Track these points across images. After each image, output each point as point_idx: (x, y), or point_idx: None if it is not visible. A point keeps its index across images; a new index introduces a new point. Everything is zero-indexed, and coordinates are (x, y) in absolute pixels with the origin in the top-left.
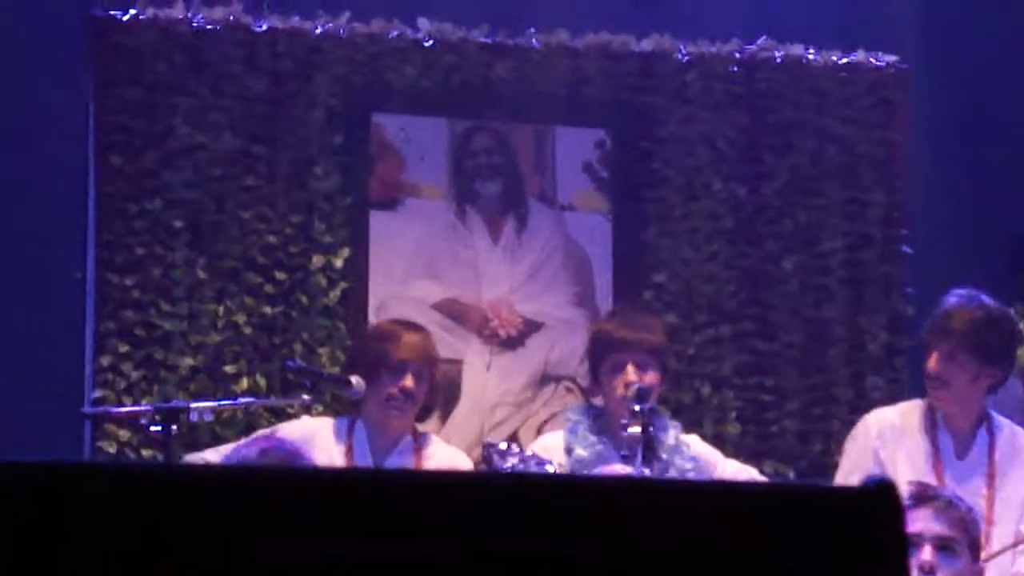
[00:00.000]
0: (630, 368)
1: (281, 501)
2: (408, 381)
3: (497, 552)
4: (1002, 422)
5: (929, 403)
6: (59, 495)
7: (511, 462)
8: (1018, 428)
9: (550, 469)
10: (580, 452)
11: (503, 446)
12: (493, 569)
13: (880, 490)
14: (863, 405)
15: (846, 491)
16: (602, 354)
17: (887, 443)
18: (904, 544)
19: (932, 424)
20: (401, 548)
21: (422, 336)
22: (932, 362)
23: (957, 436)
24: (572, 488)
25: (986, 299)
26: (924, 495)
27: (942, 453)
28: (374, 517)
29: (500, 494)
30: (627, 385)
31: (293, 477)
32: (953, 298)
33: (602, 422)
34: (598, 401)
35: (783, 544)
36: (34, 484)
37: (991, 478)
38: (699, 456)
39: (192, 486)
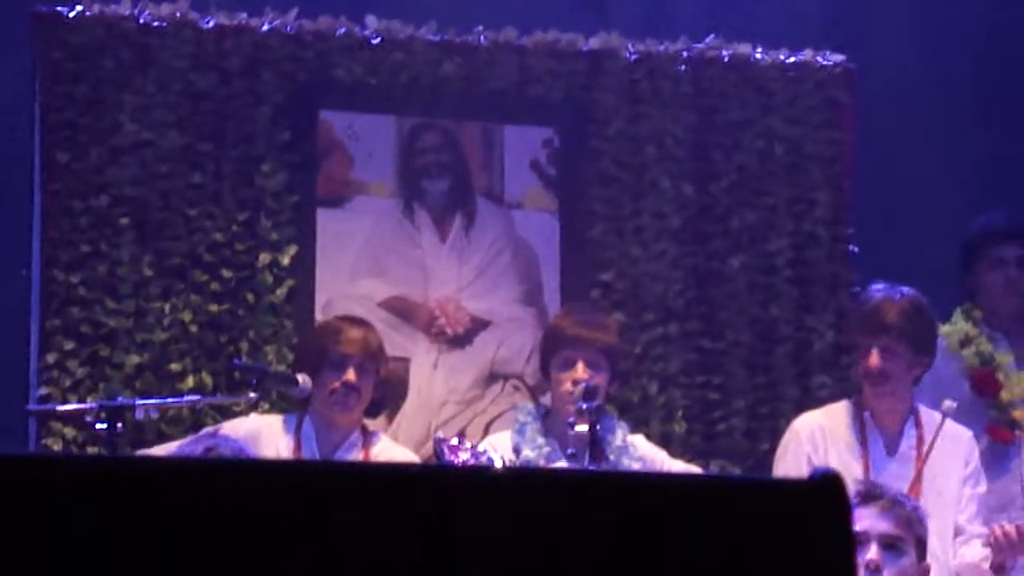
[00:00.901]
0: (580, 366)
1: (243, 493)
2: (350, 375)
3: (460, 546)
4: (930, 414)
5: (856, 402)
6: (18, 489)
7: (462, 457)
8: (949, 419)
9: (503, 457)
10: (528, 453)
11: (454, 441)
12: (450, 562)
13: (826, 482)
14: (810, 403)
15: (792, 483)
16: (554, 349)
17: (818, 446)
18: (850, 535)
19: (860, 423)
20: (358, 542)
21: (365, 331)
22: (873, 359)
23: (886, 433)
24: (520, 480)
25: (905, 289)
26: (870, 493)
27: (871, 451)
28: (328, 509)
29: (456, 486)
30: (575, 382)
31: (256, 469)
32: (877, 293)
33: (549, 422)
34: (546, 400)
35: (730, 535)
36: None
37: (919, 472)
38: (646, 456)
39: (150, 478)
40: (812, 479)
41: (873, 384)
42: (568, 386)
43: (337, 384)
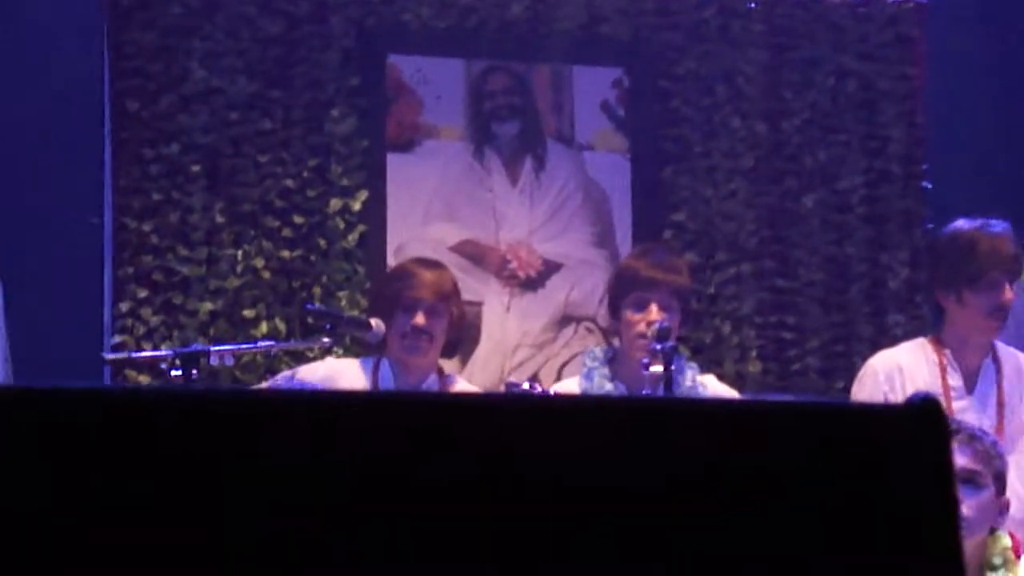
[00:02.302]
0: (653, 307)
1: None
2: (419, 319)
3: (539, 477)
4: (1007, 350)
5: (935, 340)
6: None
7: None
8: (1021, 354)
9: None
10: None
11: (525, 385)
12: (533, 492)
13: (925, 408)
14: (884, 342)
15: (891, 409)
16: (626, 291)
17: (895, 385)
18: (950, 462)
19: (940, 361)
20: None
21: (437, 273)
22: (1008, 293)
23: (965, 371)
24: (606, 409)
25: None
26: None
27: (952, 390)
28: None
29: (543, 416)
30: (649, 324)
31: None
32: (997, 227)
33: (616, 366)
34: (616, 343)
35: (824, 463)
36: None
37: (1000, 408)
38: (716, 396)
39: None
40: (910, 404)
41: (1000, 319)
42: (642, 327)
43: (408, 328)
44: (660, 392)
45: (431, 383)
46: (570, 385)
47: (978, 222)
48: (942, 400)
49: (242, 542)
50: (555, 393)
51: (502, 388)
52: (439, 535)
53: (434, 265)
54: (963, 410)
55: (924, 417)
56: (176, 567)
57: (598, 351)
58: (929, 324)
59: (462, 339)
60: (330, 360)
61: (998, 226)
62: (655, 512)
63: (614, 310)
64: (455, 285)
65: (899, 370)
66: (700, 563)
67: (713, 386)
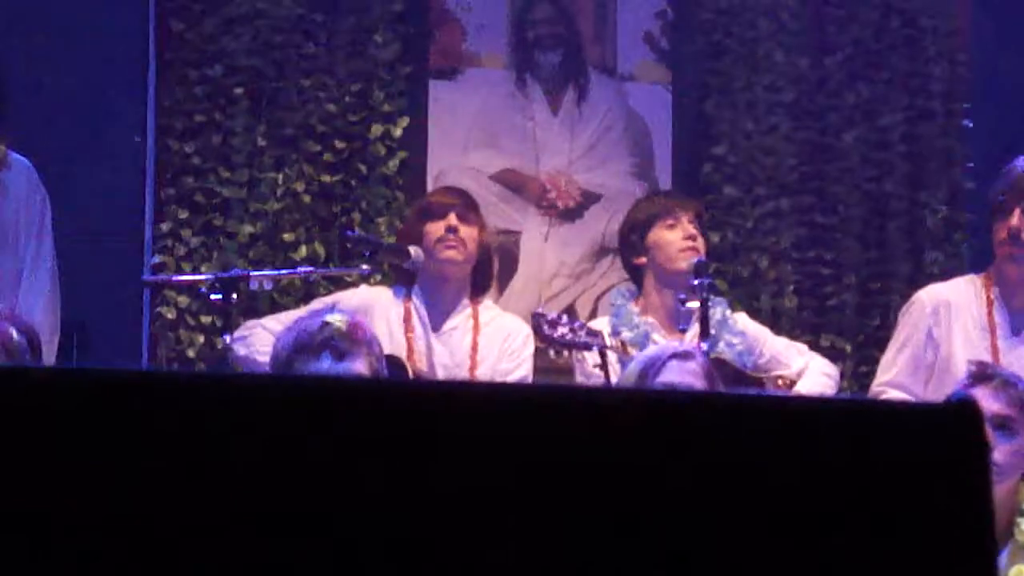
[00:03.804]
0: (684, 220)
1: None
2: (452, 219)
3: (557, 471)
4: None
5: (985, 278)
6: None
7: (560, 332)
8: None
9: (604, 335)
10: (627, 334)
11: (552, 316)
12: (543, 487)
13: (962, 410)
14: (921, 280)
15: (928, 408)
16: (650, 222)
17: (941, 320)
18: (987, 463)
19: (987, 300)
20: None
21: (461, 190)
22: (1015, 219)
23: (1013, 311)
24: (638, 402)
25: None
26: (982, 374)
27: (998, 328)
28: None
29: (561, 408)
30: (686, 237)
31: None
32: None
33: (645, 303)
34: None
35: (861, 463)
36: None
37: None
38: (747, 331)
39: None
40: (947, 405)
41: (1013, 248)
42: (680, 243)
43: (442, 231)
44: (695, 327)
45: (463, 309)
46: (600, 324)
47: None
48: (988, 338)
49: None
50: (582, 327)
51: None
52: (441, 529)
53: (457, 189)
54: (1009, 349)
55: (961, 417)
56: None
57: (624, 288)
58: (967, 262)
59: (491, 271)
60: (364, 288)
61: None
62: (687, 508)
63: (636, 246)
64: (479, 207)
65: (947, 304)
66: (734, 558)
67: (744, 323)
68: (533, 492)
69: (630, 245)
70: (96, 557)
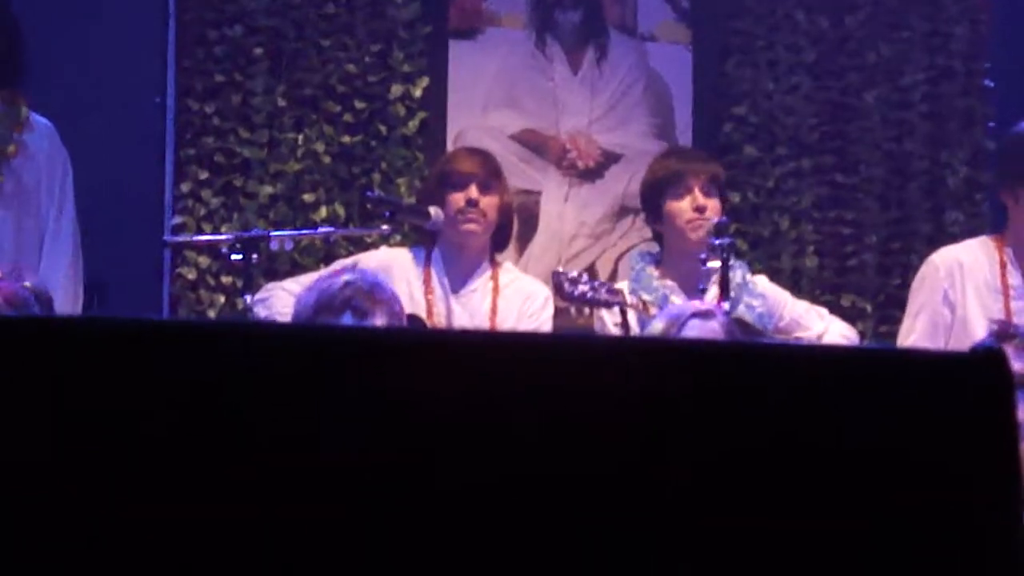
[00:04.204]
0: (696, 191)
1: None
2: (472, 191)
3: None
4: None
5: (997, 238)
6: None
7: (581, 289)
8: None
9: (624, 294)
10: (646, 296)
11: (573, 274)
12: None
13: (988, 358)
14: (942, 239)
15: (954, 357)
16: (663, 187)
17: (955, 282)
18: (1012, 413)
19: (1000, 261)
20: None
21: (483, 154)
22: None
23: None
24: (659, 351)
25: None
26: (1004, 333)
27: (1011, 288)
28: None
29: (569, 357)
30: (696, 208)
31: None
32: None
33: (664, 266)
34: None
35: (880, 412)
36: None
37: None
38: (767, 293)
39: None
40: (972, 354)
41: None
42: (689, 214)
43: (463, 202)
44: (714, 287)
45: (483, 271)
46: (620, 287)
47: None
48: (1002, 298)
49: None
50: (604, 286)
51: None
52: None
53: (479, 150)
54: (1021, 310)
55: (988, 366)
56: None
57: (643, 252)
58: (988, 222)
59: (511, 230)
60: (384, 249)
61: None
62: (710, 455)
63: (654, 211)
64: (500, 169)
65: (960, 267)
66: (758, 507)
67: (764, 286)
68: (553, 432)
69: (648, 210)
70: (100, 500)
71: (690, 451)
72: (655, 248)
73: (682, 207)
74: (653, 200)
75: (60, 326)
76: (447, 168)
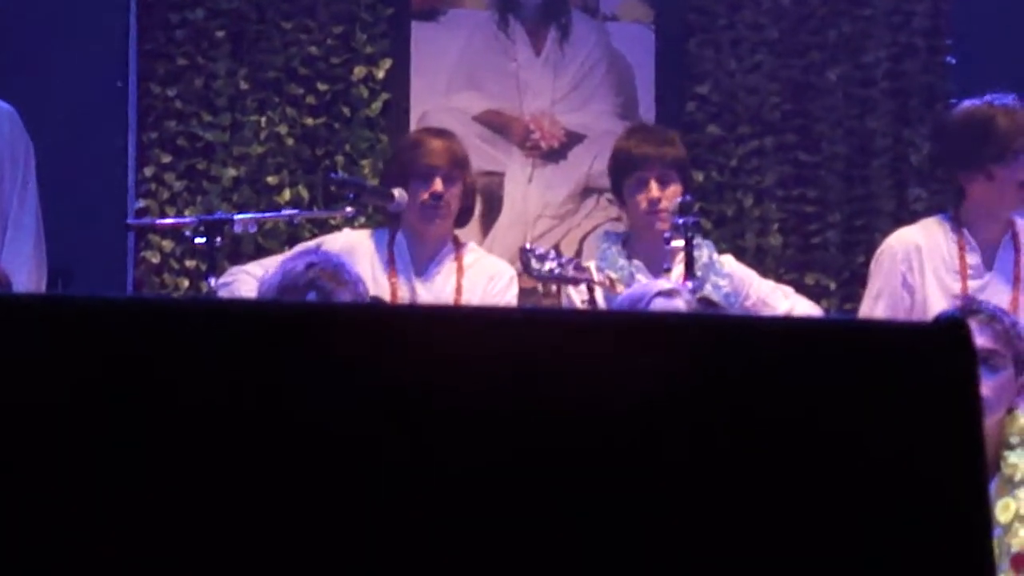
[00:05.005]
0: (652, 184)
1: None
2: (437, 185)
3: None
4: None
5: (953, 217)
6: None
7: (548, 266)
8: None
9: (592, 271)
10: (612, 275)
11: (540, 250)
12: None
13: (951, 327)
14: (906, 216)
15: (917, 327)
16: (624, 172)
17: (913, 265)
18: (976, 383)
19: (959, 238)
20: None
21: (448, 141)
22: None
23: (984, 247)
24: (620, 323)
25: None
26: (967, 308)
27: (969, 268)
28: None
29: (547, 327)
30: (650, 201)
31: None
32: (1008, 101)
33: (631, 246)
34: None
35: (845, 384)
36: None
37: (1017, 281)
38: (734, 274)
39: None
40: (936, 323)
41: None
42: (644, 206)
43: (426, 195)
44: (679, 266)
45: (446, 252)
46: (588, 265)
47: (988, 98)
48: (960, 277)
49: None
50: (571, 261)
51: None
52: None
53: (444, 134)
54: (981, 288)
55: (950, 337)
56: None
57: (610, 232)
58: (951, 199)
59: (473, 208)
60: (347, 231)
61: (1008, 99)
62: (671, 426)
63: (618, 194)
64: (466, 154)
65: (917, 249)
66: (724, 478)
67: (731, 265)
68: (522, 408)
69: (614, 192)
70: (64, 483)
71: (658, 425)
72: (621, 228)
73: (639, 199)
74: (615, 184)
75: (16, 304)
76: (411, 157)
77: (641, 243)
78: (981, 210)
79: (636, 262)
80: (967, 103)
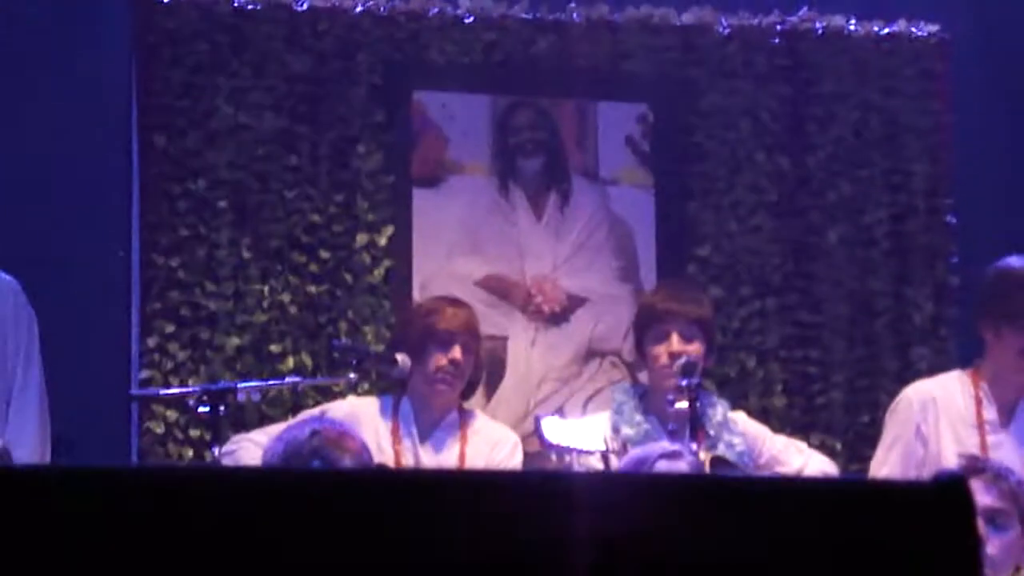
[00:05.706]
0: (674, 337)
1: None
2: (456, 352)
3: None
4: None
5: (973, 372)
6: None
7: (562, 440)
8: None
9: (607, 439)
10: (627, 431)
11: (554, 419)
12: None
13: (950, 486)
14: (909, 376)
15: (916, 487)
16: (647, 325)
17: (929, 416)
18: (976, 540)
19: (976, 394)
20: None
21: (466, 310)
22: None
23: (1001, 405)
24: (630, 484)
25: None
26: (973, 468)
27: (987, 423)
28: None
29: (571, 489)
30: (671, 355)
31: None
32: None
33: (647, 401)
34: (643, 378)
35: (848, 541)
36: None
37: None
38: (747, 432)
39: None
40: (935, 482)
41: None
42: (664, 359)
43: (444, 361)
44: (686, 428)
45: (451, 420)
46: (601, 420)
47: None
48: (977, 433)
49: None
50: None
51: (528, 421)
52: None
53: (459, 302)
54: (998, 444)
55: (949, 496)
56: None
57: (627, 385)
58: (954, 358)
59: (480, 380)
60: (351, 399)
61: None
62: None
63: (639, 347)
64: (479, 324)
65: (933, 401)
66: None
67: (743, 423)
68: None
69: (636, 343)
70: None
71: None
72: (636, 383)
73: (659, 352)
74: (638, 338)
75: (22, 476)
76: (430, 323)
77: (657, 400)
78: (997, 367)
79: (651, 418)
80: (1012, 258)
